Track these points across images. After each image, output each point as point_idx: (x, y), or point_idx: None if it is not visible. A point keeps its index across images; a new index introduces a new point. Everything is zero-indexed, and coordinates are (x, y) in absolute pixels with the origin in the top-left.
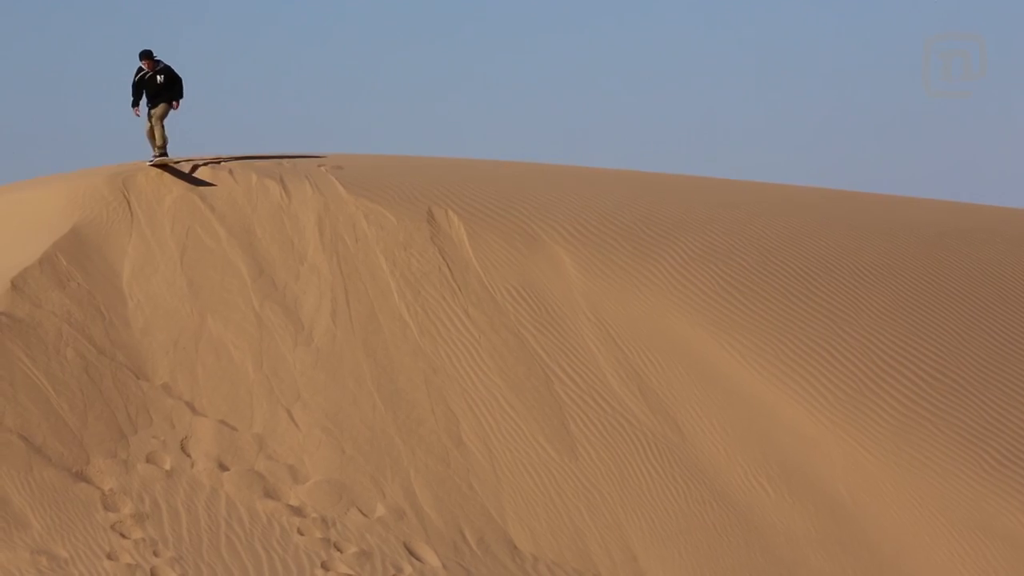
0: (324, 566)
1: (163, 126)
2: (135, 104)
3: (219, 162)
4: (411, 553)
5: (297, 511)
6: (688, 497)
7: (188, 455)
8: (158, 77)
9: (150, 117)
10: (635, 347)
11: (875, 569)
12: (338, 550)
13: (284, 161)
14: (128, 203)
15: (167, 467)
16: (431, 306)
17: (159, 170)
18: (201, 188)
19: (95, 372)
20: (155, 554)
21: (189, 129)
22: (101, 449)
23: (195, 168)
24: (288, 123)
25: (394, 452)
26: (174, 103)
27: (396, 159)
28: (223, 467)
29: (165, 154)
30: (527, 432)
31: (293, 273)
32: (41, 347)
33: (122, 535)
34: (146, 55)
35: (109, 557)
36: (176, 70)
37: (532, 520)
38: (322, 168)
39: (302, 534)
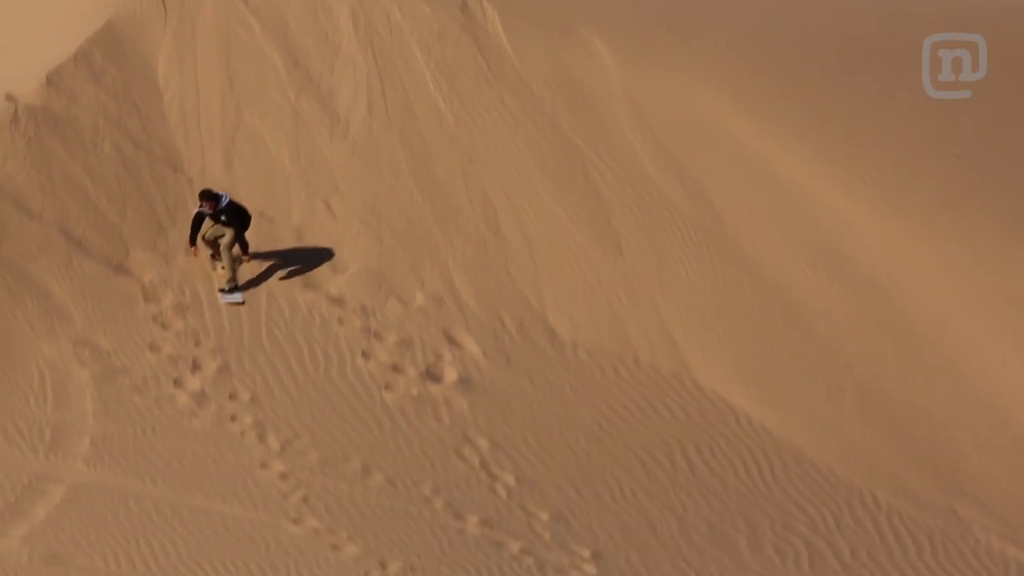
0: (365, 355)
1: (232, 257)
2: (192, 241)
3: None
4: (451, 340)
5: (336, 301)
6: (727, 281)
7: None
8: (221, 217)
9: (215, 244)
10: (672, 134)
11: (914, 349)
12: (378, 338)
13: None
14: None
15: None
16: (466, 96)
17: None
18: None
19: (132, 166)
20: (196, 344)
21: None
22: (140, 242)
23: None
24: None
25: (432, 241)
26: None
27: None
28: None
29: (236, 288)
30: (564, 220)
31: (328, 65)
32: (78, 141)
33: (163, 326)
34: (207, 196)
35: (151, 348)
36: (242, 205)
37: (571, 306)
38: None
39: (342, 324)
